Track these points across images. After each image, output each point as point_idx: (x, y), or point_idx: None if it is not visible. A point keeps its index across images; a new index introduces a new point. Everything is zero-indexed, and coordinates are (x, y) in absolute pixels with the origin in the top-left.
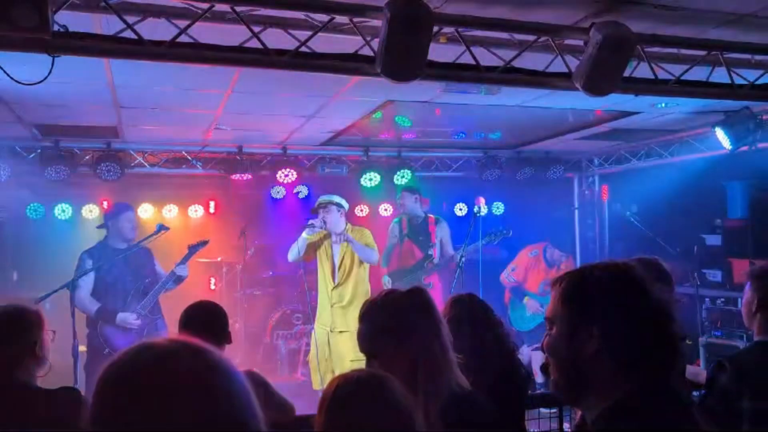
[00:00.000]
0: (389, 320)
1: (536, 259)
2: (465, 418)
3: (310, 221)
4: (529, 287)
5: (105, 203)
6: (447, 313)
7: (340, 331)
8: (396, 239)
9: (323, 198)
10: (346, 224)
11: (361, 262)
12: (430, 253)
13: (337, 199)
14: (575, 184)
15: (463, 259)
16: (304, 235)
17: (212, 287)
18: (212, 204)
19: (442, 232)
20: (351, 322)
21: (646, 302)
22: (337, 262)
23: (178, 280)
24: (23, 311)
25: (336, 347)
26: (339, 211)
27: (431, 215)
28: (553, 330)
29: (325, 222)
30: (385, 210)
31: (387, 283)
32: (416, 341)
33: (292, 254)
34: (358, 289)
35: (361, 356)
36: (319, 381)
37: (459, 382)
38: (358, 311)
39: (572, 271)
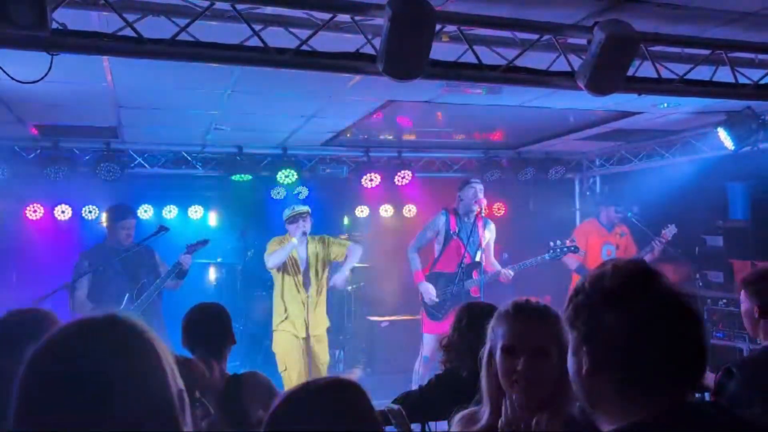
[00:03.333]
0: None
1: (590, 224)
2: None
3: (302, 231)
4: (592, 263)
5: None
6: (462, 317)
7: (315, 335)
8: (437, 235)
9: (300, 208)
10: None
11: (325, 267)
12: (479, 260)
13: (307, 208)
14: (576, 184)
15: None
16: (295, 241)
17: (212, 289)
18: (212, 204)
19: (491, 235)
20: (321, 324)
21: (650, 306)
22: (309, 265)
23: (181, 273)
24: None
25: (314, 352)
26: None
27: (480, 214)
28: None
29: (305, 230)
30: (386, 211)
31: (431, 292)
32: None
33: (277, 261)
34: (324, 292)
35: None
36: None
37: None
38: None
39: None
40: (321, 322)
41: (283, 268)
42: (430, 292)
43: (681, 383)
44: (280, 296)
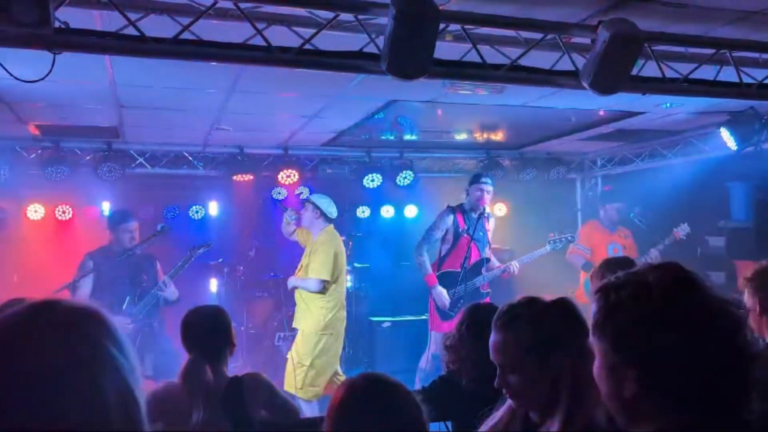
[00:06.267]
0: (535, 334)
1: (592, 224)
2: None
3: (291, 208)
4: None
5: (106, 205)
6: (464, 320)
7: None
8: (446, 233)
9: (310, 196)
10: (322, 230)
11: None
12: (487, 256)
13: (315, 198)
14: (578, 185)
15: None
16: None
17: (213, 290)
18: (213, 205)
19: (492, 228)
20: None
21: (701, 329)
22: (303, 262)
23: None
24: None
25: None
26: (314, 211)
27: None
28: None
29: (297, 217)
30: (387, 212)
31: (444, 299)
32: (562, 361)
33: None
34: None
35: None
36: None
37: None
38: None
39: (601, 288)
40: (300, 318)
41: None
42: (443, 298)
43: (734, 397)
44: None
